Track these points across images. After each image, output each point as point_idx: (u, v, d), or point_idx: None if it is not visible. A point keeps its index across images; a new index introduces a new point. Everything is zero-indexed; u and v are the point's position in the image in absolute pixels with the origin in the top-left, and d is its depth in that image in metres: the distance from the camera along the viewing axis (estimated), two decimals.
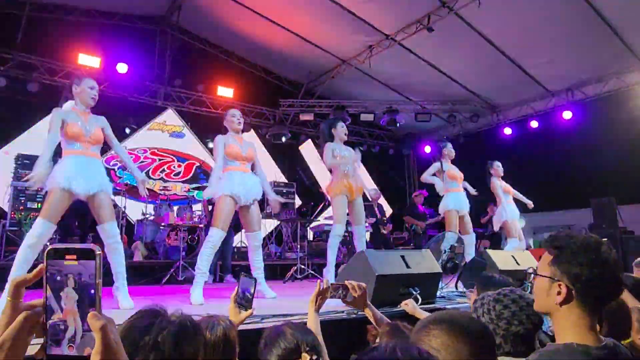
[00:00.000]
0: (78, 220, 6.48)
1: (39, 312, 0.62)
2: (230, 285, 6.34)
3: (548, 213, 9.12)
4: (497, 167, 6.06)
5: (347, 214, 4.82)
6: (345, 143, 5.00)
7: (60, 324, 0.61)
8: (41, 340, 0.63)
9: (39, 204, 6.50)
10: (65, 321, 0.61)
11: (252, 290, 1.88)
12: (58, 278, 0.61)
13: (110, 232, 3.55)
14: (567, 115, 9.46)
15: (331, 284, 2.04)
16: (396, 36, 8.75)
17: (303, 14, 8.69)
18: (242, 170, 4.29)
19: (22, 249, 3.25)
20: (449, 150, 5.82)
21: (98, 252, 0.62)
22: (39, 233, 3.27)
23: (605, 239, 1.32)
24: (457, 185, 5.67)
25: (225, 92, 10.19)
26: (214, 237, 4.04)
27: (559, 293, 1.22)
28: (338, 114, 10.20)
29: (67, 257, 0.61)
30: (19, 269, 3.18)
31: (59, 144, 3.51)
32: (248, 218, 4.32)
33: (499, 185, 5.97)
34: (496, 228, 6.32)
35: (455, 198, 5.55)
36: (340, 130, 4.89)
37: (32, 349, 0.64)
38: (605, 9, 7.28)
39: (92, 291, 0.61)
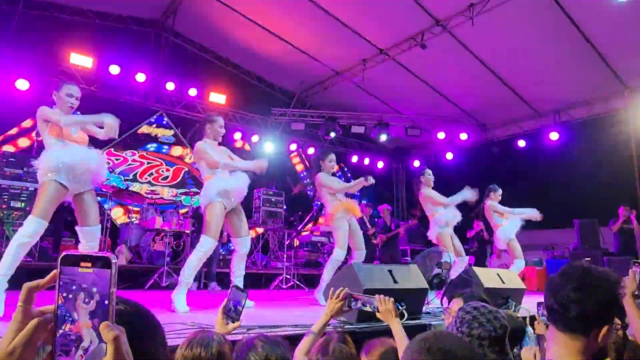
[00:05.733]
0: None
1: (50, 318, 0.61)
2: (215, 293, 6.28)
3: (532, 232, 9.22)
4: (499, 194, 6.06)
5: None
6: (335, 153, 5.11)
7: (71, 334, 0.60)
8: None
9: (23, 203, 6.38)
10: (77, 332, 0.60)
11: (242, 303, 1.87)
12: (71, 286, 0.60)
13: (96, 235, 3.50)
14: (553, 136, 9.64)
15: (354, 295, 2.08)
16: (390, 51, 8.86)
17: (299, 25, 8.76)
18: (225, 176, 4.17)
19: (12, 247, 3.09)
20: (427, 178, 5.72)
21: (114, 261, 0.61)
22: (32, 231, 3.12)
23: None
24: (441, 209, 5.64)
25: (217, 97, 10.18)
26: (206, 247, 3.86)
27: None
28: (329, 124, 10.26)
29: (82, 264, 0.60)
30: (8, 270, 3.06)
31: (42, 142, 3.40)
32: (236, 223, 4.19)
33: (495, 210, 5.96)
34: (501, 247, 6.30)
35: (442, 219, 5.55)
36: (329, 164, 4.98)
37: None
38: (594, 35, 7.48)
39: (106, 301, 0.60)
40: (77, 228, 3.49)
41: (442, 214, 5.55)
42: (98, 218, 3.53)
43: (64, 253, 0.61)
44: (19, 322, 0.61)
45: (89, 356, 0.59)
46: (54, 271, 0.61)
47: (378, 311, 2.09)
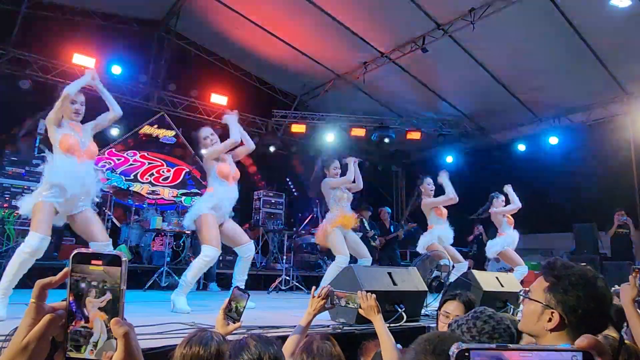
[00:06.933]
0: None
1: (62, 314, 0.63)
2: (214, 293, 6.30)
3: (530, 236, 9.25)
4: (502, 200, 6.08)
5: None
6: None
7: (82, 330, 0.62)
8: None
9: None
10: (89, 327, 0.62)
11: (244, 305, 1.90)
12: (82, 283, 0.62)
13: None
14: (553, 140, 9.68)
15: (337, 293, 2.09)
16: (391, 54, 8.90)
17: (300, 27, 8.79)
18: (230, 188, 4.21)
19: (15, 263, 3.05)
20: (426, 187, 5.68)
21: (124, 259, 0.63)
22: (34, 248, 3.07)
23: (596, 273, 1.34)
24: (442, 222, 5.62)
25: (218, 99, 10.21)
26: (210, 255, 3.91)
27: (550, 320, 1.24)
28: (330, 127, 10.30)
29: (93, 262, 0.62)
30: (10, 283, 3.04)
31: (48, 154, 3.38)
32: (233, 234, 4.21)
33: (501, 214, 5.98)
34: (490, 256, 6.27)
35: (436, 234, 5.55)
36: (333, 170, 5.05)
37: None
38: (594, 41, 7.52)
39: (116, 298, 0.62)
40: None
41: (440, 229, 5.52)
42: (104, 234, 3.52)
43: (75, 251, 0.63)
44: (32, 318, 0.63)
45: (98, 351, 0.61)
46: (66, 269, 0.63)
47: (361, 307, 2.10)
